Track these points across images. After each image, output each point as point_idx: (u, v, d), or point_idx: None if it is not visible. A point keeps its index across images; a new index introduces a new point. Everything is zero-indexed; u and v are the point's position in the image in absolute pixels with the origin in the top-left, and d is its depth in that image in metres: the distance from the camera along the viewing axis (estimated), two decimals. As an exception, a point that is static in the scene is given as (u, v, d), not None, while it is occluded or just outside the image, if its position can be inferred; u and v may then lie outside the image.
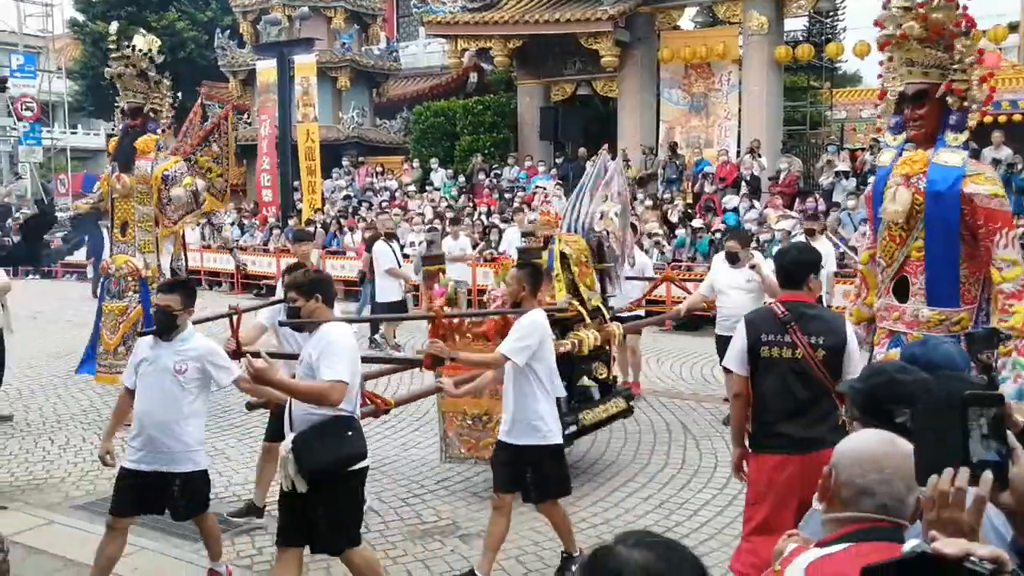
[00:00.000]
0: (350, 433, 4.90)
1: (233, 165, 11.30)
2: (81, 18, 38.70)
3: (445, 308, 7.33)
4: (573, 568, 5.78)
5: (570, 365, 7.52)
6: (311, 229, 9.59)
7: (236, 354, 5.83)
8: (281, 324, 5.66)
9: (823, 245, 11.26)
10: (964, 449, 1.92)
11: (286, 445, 4.84)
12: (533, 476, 5.76)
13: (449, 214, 19.61)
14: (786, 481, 4.95)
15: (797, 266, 5.26)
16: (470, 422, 7.68)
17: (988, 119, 22.06)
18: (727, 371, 5.33)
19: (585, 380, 8.12)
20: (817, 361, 4.98)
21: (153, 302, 5.54)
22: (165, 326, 5.56)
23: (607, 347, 8.27)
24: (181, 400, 5.49)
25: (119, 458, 5.85)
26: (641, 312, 10.91)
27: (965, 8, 5.91)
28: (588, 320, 7.84)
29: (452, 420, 7.76)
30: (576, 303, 7.75)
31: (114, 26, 10.74)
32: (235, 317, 6.01)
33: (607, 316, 8.26)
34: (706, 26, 25.56)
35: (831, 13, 24.73)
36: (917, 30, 5.80)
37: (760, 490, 5.09)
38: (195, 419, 5.59)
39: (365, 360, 5.97)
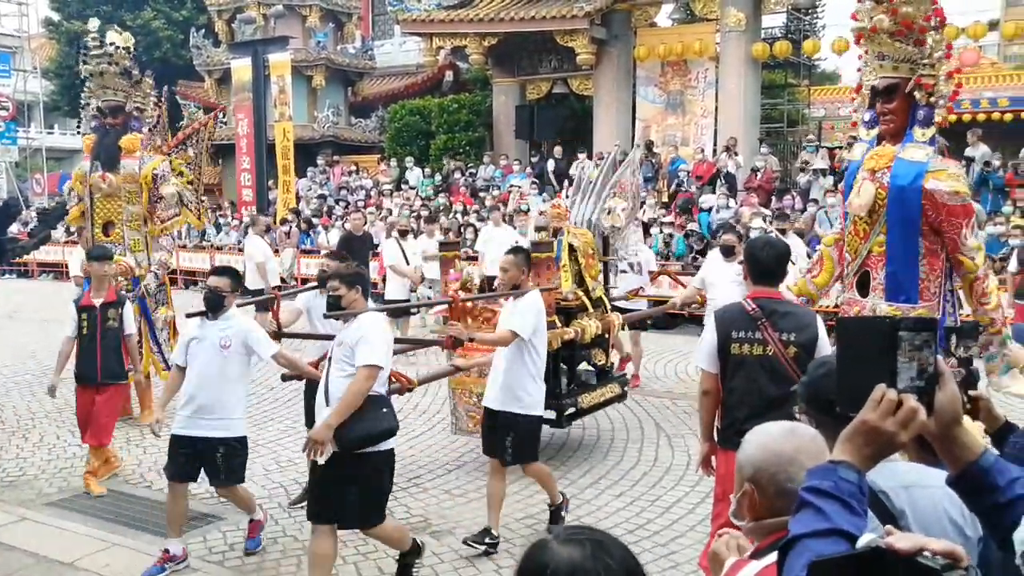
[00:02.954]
0: (384, 410, 5.31)
1: (205, 169, 11.10)
2: (56, 17, 38.41)
3: (460, 292, 7.83)
4: (563, 514, 6.62)
5: (572, 351, 8.27)
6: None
7: (276, 335, 6.60)
8: (326, 316, 5.94)
9: (793, 241, 11.39)
10: (891, 374, 1.91)
11: (325, 414, 5.27)
12: (512, 440, 6.30)
13: (424, 212, 19.59)
14: (754, 477, 4.95)
15: (769, 262, 5.21)
16: (476, 400, 8.00)
17: (967, 117, 22.33)
18: None
19: (584, 365, 8.70)
20: (788, 358, 4.94)
21: (206, 284, 6.29)
22: (215, 305, 6.13)
23: (606, 335, 8.81)
24: (227, 372, 6.10)
25: (167, 427, 6.39)
26: (643, 303, 11.57)
27: (935, 2, 5.93)
28: (591, 309, 8.44)
29: (461, 397, 8.33)
30: (581, 293, 8.37)
31: (94, 23, 10.51)
32: (275, 301, 7.05)
33: (608, 306, 8.91)
34: (683, 23, 25.60)
35: (810, 10, 24.74)
36: (887, 23, 5.82)
37: (728, 486, 5.08)
38: (239, 390, 6.24)
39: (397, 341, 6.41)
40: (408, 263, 14.03)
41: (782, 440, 2.43)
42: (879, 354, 1.94)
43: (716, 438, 5.25)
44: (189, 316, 6.37)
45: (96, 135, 10.41)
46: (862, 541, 1.74)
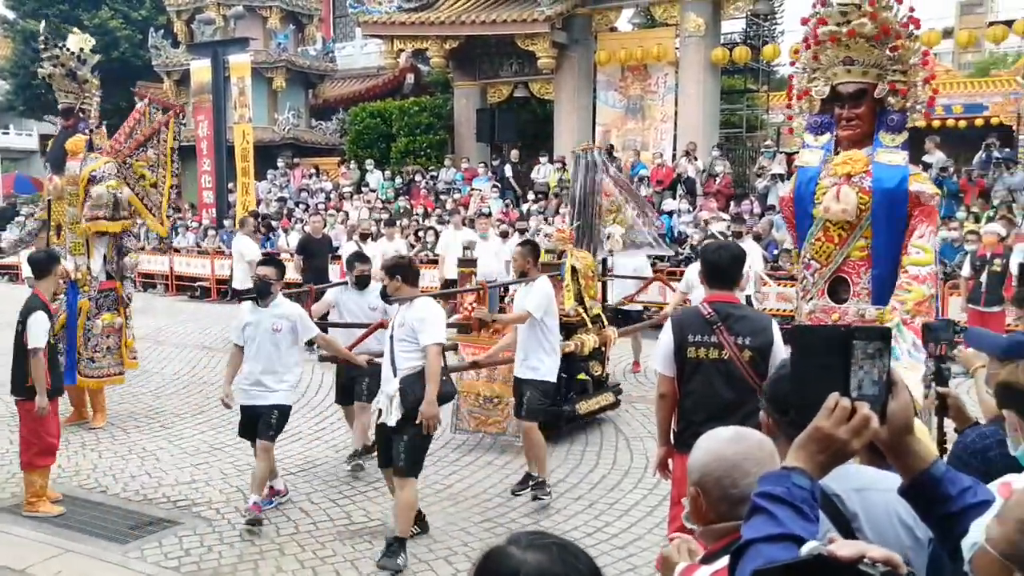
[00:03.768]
0: (444, 378, 6.36)
1: (170, 174, 10.85)
2: (11, 16, 37.85)
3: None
4: (544, 489, 7.44)
5: (571, 363, 9.10)
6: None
7: None
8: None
9: (749, 245, 11.54)
10: (845, 383, 1.94)
11: (394, 385, 6.20)
12: (527, 400, 7.45)
13: (384, 215, 19.53)
14: (709, 481, 4.97)
15: (724, 265, 5.24)
16: (482, 402, 9.09)
17: (922, 124, 22.55)
18: None
19: (583, 376, 9.66)
20: (743, 362, 4.96)
21: (255, 274, 7.30)
22: (264, 292, 7.12)
23: (603, 348, 9.74)
24: (280, 351, 7.09)
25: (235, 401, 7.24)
26: (638, 307, 12.80)
27: (912, 9, 5.98)
28: (589, 325, 9.38)
29: (466, 398, 9.13)
30: (581, 310, 9.29)
31: (43, 25, 10.48)
32: (310, 294, 8.65)
33: (605, 322, 9.89)
34: (643, 28, 25.61)
35: (769, 16, 24.86)
36: (868, 28, 5.84)
37: (684, 489, 5.06)
38: (291, 365, 7.24)
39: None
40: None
41: (728, 445, 2.46)
42: (833, 362, 1.96)
43: (673, 441, 5.27)
44: (241, 300, 7.53)
45: (55, 137, 10.42)
46: (805, 548, 1.76)
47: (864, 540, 2.20)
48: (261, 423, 7.06)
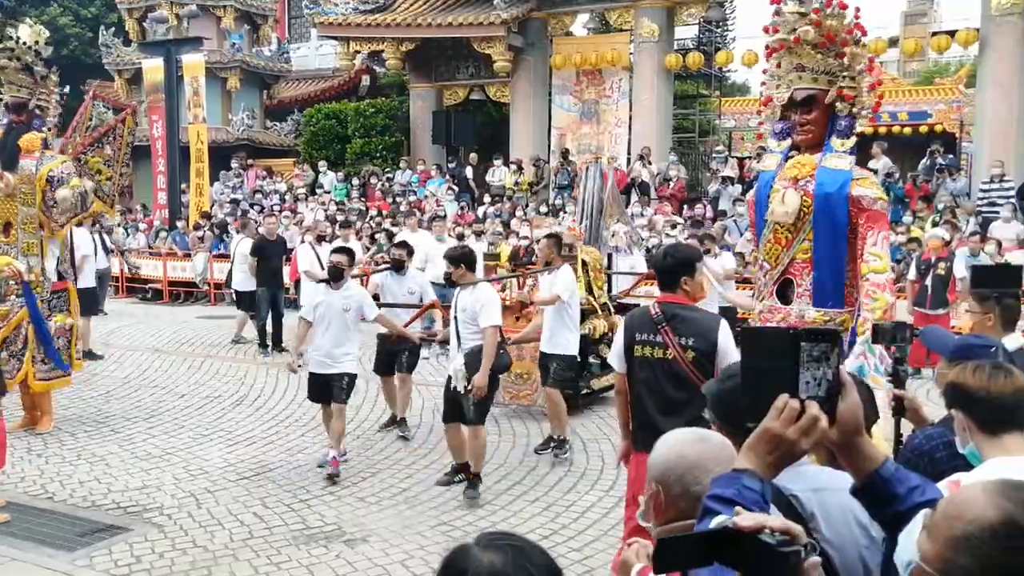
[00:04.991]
0: (502, 351, 7.52)
1: (126, 170, 10.68)
2: (-45, 11, 37.23)
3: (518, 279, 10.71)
4: (564, 448, 8.63)
5: (585, 345, 9.95)
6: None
7: None
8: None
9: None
10: (794, 384, 1.96)
11: (459, 360, 7.41)
12: (553, 371, 8.75)
13: (340, 217, 19.42)
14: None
15: (668, 268, 5.30)
16: (514, 378, 10.21)
17: (869, 130, 23.03)
18: None
19: (592, 358, 10.79)
20: (687, 362, 5.01)
21: (329, 260, 8.61)
22: (336, 276, 8.35)
23: (610, 333, 10.44)
24: (347, 328, 8.33)
25: (304, 367, 8.54)
26: (636, 300, 13.29)
27: (858, 16, 6.08)
28: (599, 312, 10.53)
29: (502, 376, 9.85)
30: (591, 299, 10.36)
31: None
32: (364, 278, 9.82)
33: (612, 309, 11.10)
34: (598, 33, 25.76)
35: (721, 22, 25.17)
36: (812, 35, 5.93)
37: (638, 489, 5.14)
38: (354, 339, 8.45)
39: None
40: (323, 268, 13.92)
41: (690, 446, 2.52)
42: (782, 364, 1.98)
43: (632, 439, 5.32)
44: (319, 282, 8.80)
45: (3, 132, 9.93)
46: (715, 522, 1.80)
47: (821, 540, 2.24)
48: (335, 389, 8.27)
